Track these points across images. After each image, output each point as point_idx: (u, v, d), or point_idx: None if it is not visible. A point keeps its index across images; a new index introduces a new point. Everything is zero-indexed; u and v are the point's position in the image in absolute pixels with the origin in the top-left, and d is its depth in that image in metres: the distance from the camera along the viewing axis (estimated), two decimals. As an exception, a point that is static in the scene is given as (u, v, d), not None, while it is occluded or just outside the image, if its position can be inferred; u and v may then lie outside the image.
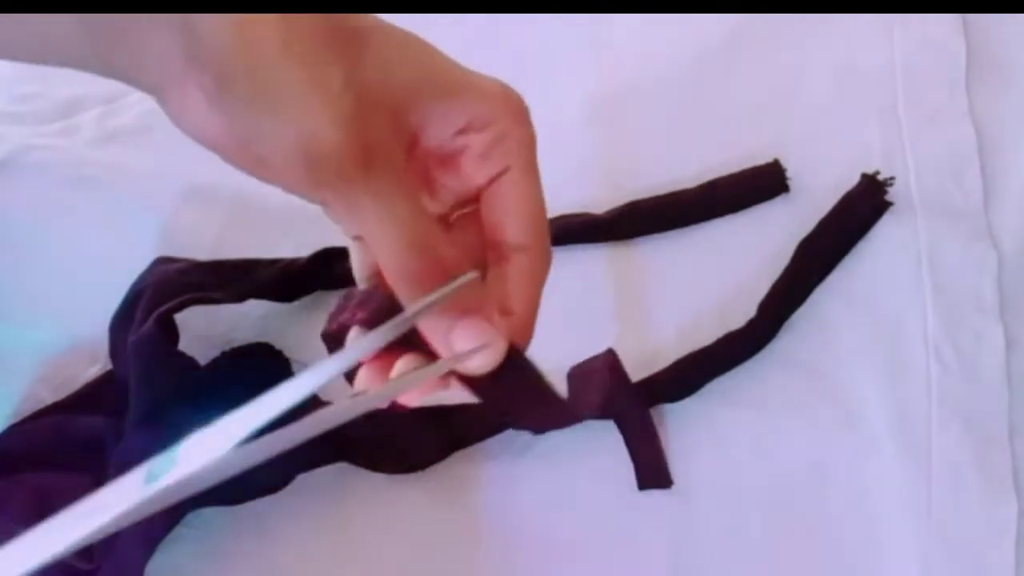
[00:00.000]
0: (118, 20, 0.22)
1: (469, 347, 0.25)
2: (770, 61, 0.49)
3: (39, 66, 0.26)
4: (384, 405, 0.25)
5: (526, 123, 0.27)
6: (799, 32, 0.49)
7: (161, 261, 0.45)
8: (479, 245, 0.28)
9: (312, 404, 0.21)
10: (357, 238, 0.28)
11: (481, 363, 0.25)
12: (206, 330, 0.44)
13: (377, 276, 0.27)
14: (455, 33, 0.48)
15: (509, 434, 0.42)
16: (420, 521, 0.41)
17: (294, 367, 0.44)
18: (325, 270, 0.45)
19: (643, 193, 0.46)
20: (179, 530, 0.40)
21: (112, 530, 0.19)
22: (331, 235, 0.34)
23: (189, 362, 0.41)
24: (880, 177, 0.44)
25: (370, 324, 0.25)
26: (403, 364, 0.26)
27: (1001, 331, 0.41)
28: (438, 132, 0.26)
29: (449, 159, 0.27)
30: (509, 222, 0.27)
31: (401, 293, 0.25)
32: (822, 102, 0.48)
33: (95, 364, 0.45)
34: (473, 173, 0.27)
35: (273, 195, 0.26)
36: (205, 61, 0.22)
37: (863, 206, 0.44)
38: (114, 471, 0.38)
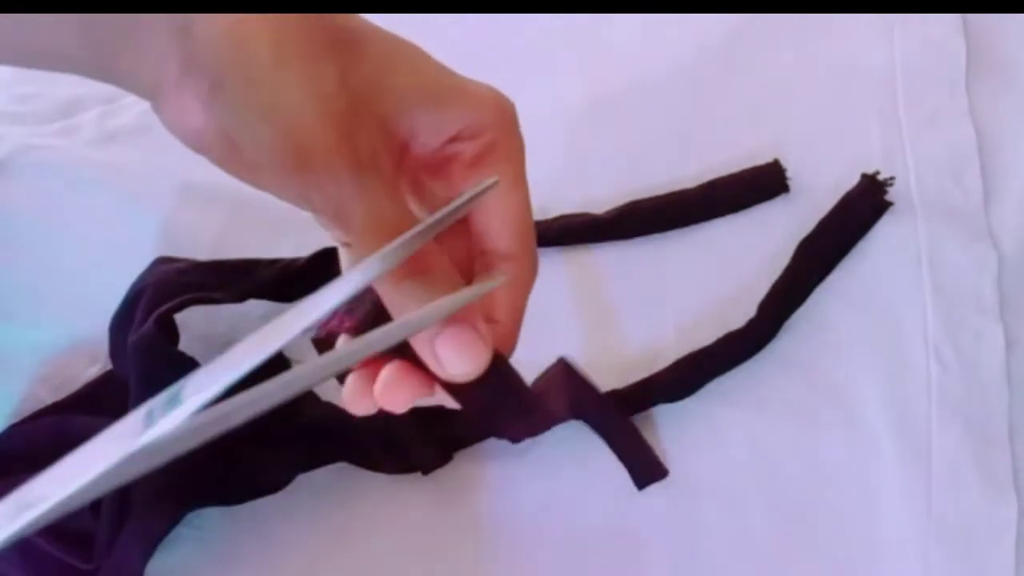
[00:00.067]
0: (118, 23, 0.22)
1: (454, 354, 0.25)
2: (770, 61, 0.49)
3: (39, 67, 0.26)
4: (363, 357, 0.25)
5: (515, 132, 0.27)
6: (799, 32, 0.49)
7: (161, 261, 0.45)
8: (466, 253, 0.28)
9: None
10: (346, 244, 0.28)
11: (465, 370, 0.25)
12: (206, 330, 0.44)
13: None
14: (454, 32, 0.48)
15: (509, 434, 0.42)
16: (421, 521, 0.41)
17: (294, 367, 0.44)
18: (325, 270, 0.44)
19: (643, 193, 0.46)
20: (179, 530, 0.40)
21: (111, 482, 0.19)
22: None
23: (189, 362, 0.41)
24: (880, 177, 0.44)
25: (358, 332, 0.25)
26: (388, 371, 0.26)
27: (1001, 331, 0.41)
28: (429, 139, 0.26)
29: (439, 166, 0.27)
30: (496, 231, 0.27)
31: (386, 299, 0.25)
32: (822, 102, 0.48)
33: (95, 364, 0.45)
34: (462, 180, 0.27)
35: (273, 195, 0.26)
36: (200, 62, 0.22)
37: (863, 206, 0.44)
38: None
